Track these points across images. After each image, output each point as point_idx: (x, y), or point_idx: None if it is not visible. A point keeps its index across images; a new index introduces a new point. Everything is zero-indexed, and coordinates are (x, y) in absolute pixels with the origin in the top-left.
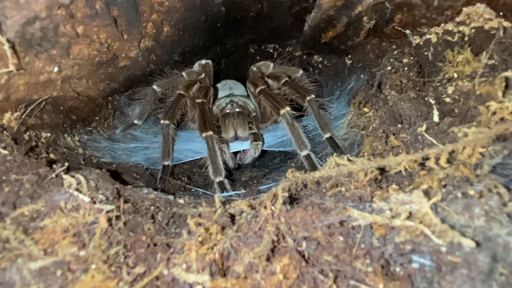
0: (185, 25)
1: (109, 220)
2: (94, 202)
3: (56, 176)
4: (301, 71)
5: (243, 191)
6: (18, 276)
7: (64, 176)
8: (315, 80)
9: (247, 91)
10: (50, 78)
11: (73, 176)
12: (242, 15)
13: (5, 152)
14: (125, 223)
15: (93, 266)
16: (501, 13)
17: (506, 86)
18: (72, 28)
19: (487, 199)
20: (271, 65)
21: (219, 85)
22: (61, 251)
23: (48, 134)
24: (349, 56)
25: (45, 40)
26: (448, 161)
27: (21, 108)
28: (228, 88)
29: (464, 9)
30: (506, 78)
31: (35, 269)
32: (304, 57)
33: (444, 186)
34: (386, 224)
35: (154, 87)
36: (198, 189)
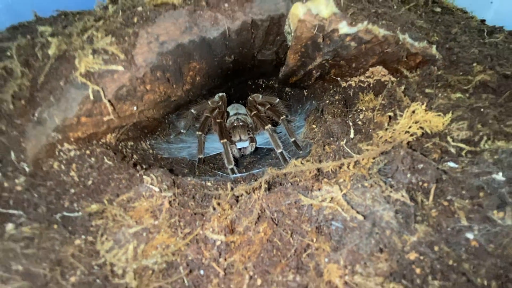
0: (209, 75)
1: (169, 202)
2: (161, 191)
3: (139, 175)
4: (277, 99)
5: (244, 172)
6: (123, 236)
7: (144, 176)
8: (287, 105)
9: (246, 111)
10: (132, 113)
11: (148, 175)
12: (243, 67)
13: (110, 162)
14: (178, 203)
15: (162, 230)
16: (391, 72)
17: (390, 119)
18: (144, 87)
19: (373, 188)
20: (260, 96)
21: (229, 107)
22: (145, 221)
23: (132, 143)
24: (306, 90)
25: (128, 95)
26: (354, 165)
27: (116, 131)
28: (235, 109)
29: (370, 68)
30: (389, 116)
31: (131, 232)
32: (281, 88)
33: (352, 180)
34: (319, 204)
35: (192, 110)
36: (219, 172)
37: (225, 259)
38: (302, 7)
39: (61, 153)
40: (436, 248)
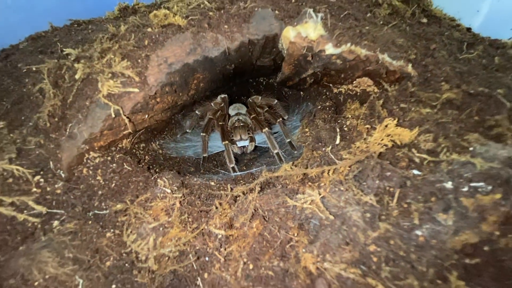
0: (211, 81)
1: (180, 202)
2: (172, 192)
3: (153, 178)
4: (276, 101)
5: (245, 169)
6: (144, 230)
7: (158, 180)
8: (285, 105)
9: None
10: (144, 120)
11: (161, 178)
12: (243, 71)
13: (128, 167)
14: (187, 202)
15: (175, 225)
16: (375, 83)
17: (368, 130)
18: (155, 100)
19: (347, 192)
20: (259, 97)
21: (231, 107)
22: (161, 219)
23: (143, 145)
24: (302, 92)
25: (143, 109)
26: (334, 172)
27: (131, 136)
28: (236, 109)
29: (357, 79)
30: (367, 128)
31: (150, 227)
32: (279, 87)
33: (331, 184)
34: (301, 205)
35: (196, 112)
36: (221, 170)
37: (225, 249)
38: (292, 30)
39: (89, 161)
40: (391, 242)
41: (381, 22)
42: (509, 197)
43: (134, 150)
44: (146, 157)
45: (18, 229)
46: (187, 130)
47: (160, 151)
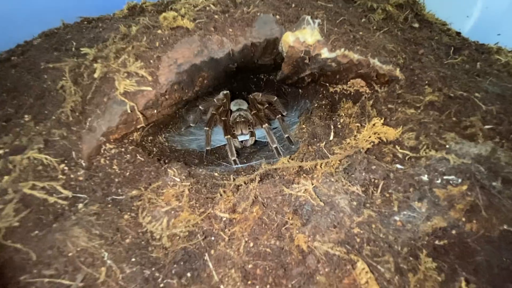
0: (215, 78)
1: (188, 189)
2: (181, 181)
3: (164, 168)
4: (275, 98)
5: (245, 162)
6: (158, 213)
7: (168, 169)
8: (284, 102)
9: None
10: (153, 114)
11: (171, 168)
12: (245, 69)
13: (141, 158)
14: (194, 190)
15: (185, 209)
16: (367, 84)
17: (358, 128)
18: (164, 97)
19: (337, 183)
20: (260, 94)
21: (233, 103)
22: (172, 203)
23: (151, 138)
24: (300, 90)
25: (153, 105)
26: (326, 165)
27: (140, 130)
28: (238, 105)
29: (351, 80)
30: (357, 126)
31: (163, 211)
32: (279, 85)
33: (323, 176)
34: (296, 194)
35: (200, 107)
36: (223, 162)
37: (229, 230)
38: (291, 35)
39: (105, 151)
40: (373, 226)
41: (375, 27)
42: (475, 188)
43: (143, 143)
44: (154, 149)
45: (50, 210)
46: (191, 124)
47: (166, 144)
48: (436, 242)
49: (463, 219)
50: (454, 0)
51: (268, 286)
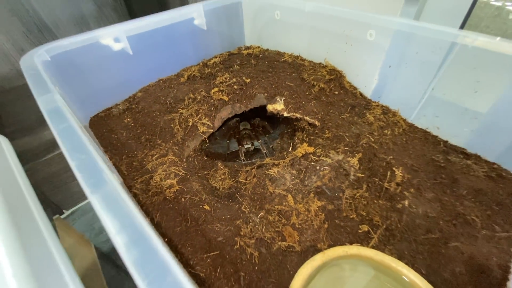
0: (233, 117)
1: (226, 172)
2: (223, 168)
3: (215, 163)
4: (266, 122)
5: (249, 160)
6: (215, 180)
7: (218, 163)
8: (271, 125)
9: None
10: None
11: (217, 162)
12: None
13: (205, 158)
14: (228, 171)
15: (226, 179)
16: (307, 125)
17: (299, 146)
18: (213, 132)
19: (286, 168)
20: (258, 119)
21: (241, 124)
22: (221, 177)
23: (205, 147)
24: (280, 119)
25: (210, 135)
26: (284, 162)
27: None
28: (244, 125)
29: (301, 121)
30: (299, 145)
31: (219, 178)
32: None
33: (283, 166)
34: (271, 173)
35: (223, 128)
36: (237, 160)
37: (244, 186)
38: (270, 106)
39: (192, 155)
40: (297, 185)
41: (311, 97)
42: (333, 172)
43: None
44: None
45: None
46: (217, 138)
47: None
48: (317, 190)
49: (329, 183)
50: (367, 65)
51: (257, 203)
